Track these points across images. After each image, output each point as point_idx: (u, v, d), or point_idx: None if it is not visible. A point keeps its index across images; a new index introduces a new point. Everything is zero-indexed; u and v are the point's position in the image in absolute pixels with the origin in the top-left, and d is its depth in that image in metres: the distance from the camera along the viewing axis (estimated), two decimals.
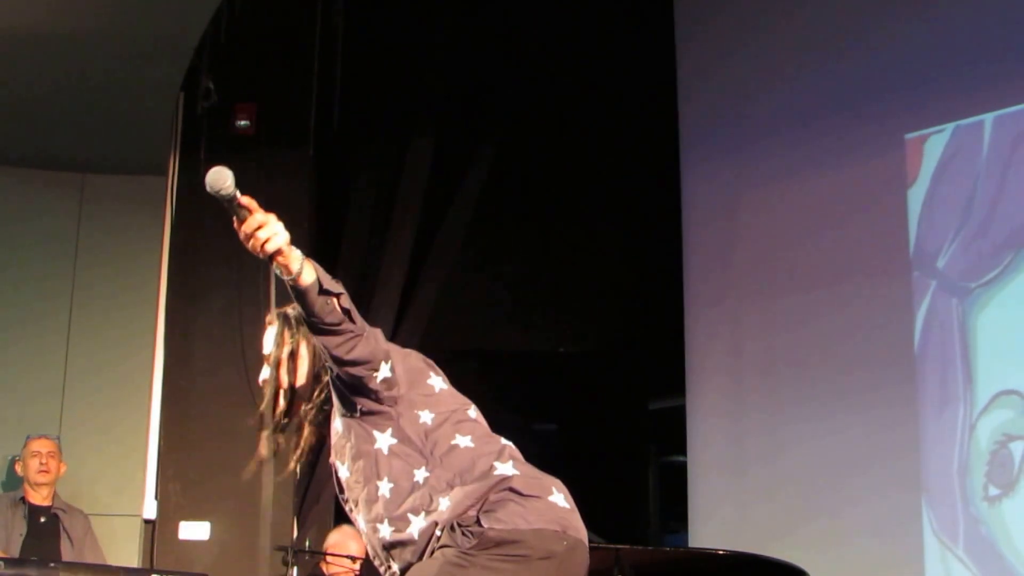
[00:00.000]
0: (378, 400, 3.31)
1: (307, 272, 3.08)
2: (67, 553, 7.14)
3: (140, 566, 7.73)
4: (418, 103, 9.04)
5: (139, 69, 7.10)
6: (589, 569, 5.60)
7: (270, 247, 3.05)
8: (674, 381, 8.67)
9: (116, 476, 7.96)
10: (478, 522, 3.21)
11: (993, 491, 6.66)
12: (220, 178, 2.99)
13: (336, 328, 3.16)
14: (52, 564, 6.24)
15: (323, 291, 3.10)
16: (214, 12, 7.18)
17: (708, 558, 6.04)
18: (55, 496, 7.38)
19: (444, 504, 3.26)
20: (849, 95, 7.69)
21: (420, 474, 3.32)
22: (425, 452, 3.34)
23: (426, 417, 3.36)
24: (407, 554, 3.32)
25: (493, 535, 3.20)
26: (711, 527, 7.98)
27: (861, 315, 7.42)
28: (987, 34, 7.11)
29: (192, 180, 8.19)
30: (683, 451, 8.44)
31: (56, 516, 7.31)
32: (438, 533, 3.23)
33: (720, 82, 8.53)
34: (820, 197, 7.78)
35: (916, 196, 7.23)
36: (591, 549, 5.50)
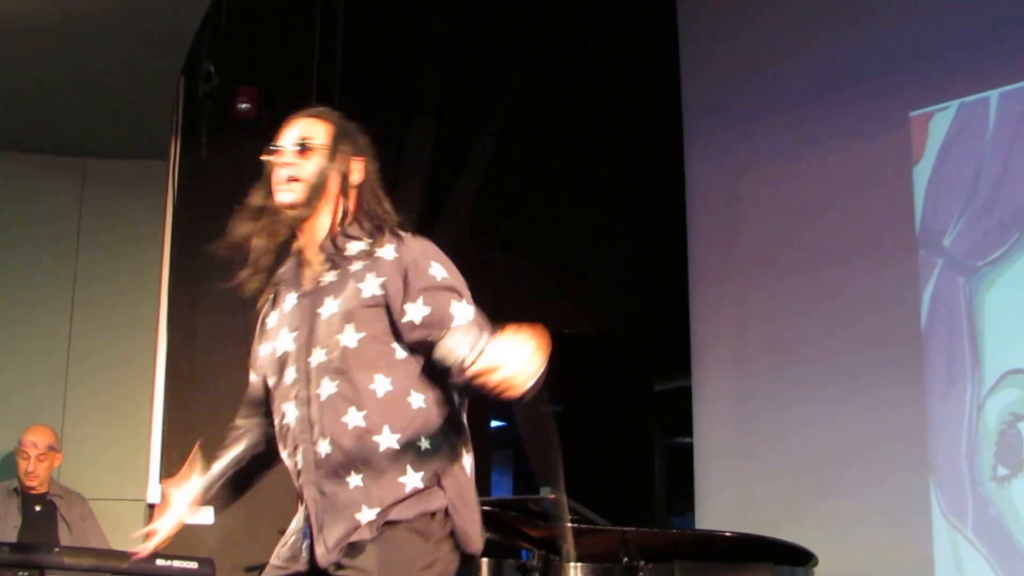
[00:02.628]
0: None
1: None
2: (66, 539, 7.09)
3: None
4: (420, 86, 9.01)
5: (139, 53, 7.07)
6: (597, 551, 5.61)
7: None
8: (679, 362, 8.66)
9: (119, 461, 7.95)
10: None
11: (1002, 471, 6.64)
12: None
13: None
14: (57, 549, 6.23)
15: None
16: None
17: (715, 540, 6.03)
18: (51, 482, 7.35)
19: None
20: (853, 73, 7.65)
21: (418, 399, 3.23)
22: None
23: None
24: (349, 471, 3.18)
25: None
26: (717, 509, 7.98)
27: (867, 294, 7.39)
28: (992, 10, 7.07)
29: (193, 163, 8.18)
30: (689, 433, 8.43)
31: (52, 503, 7.27)
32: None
33: (723, 62, 8.50)
34: (825, 176, 7.75)
35: (921, 174, 7.20)
36: (598, 531, 5.51)
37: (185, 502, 3.60)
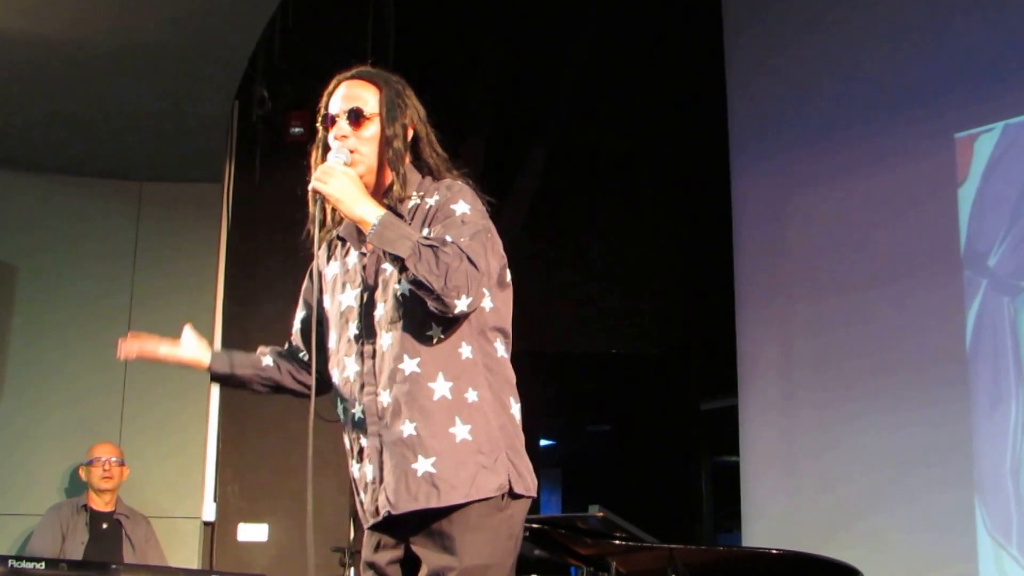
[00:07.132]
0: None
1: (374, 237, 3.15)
2: (129, 558, 7.20)
3: (200, 567, 7.80)
4: (470, 107, 9.10)
5: (194, 79, 7.19)
6: (645, 568, 5.67)
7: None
8: (726, 381, 8.70)
9: (175, 479, 8.02)
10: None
11: None
12: None
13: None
14: (114, 566, 6.32)
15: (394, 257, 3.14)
16: (267, 21, 7.25)
17: (761, 557, 6.06)
18: (118, 501, 7.46)
19: (473, 396, 3.23)
20: (898, 95, 7.69)
21: (467, 350, 3.27)
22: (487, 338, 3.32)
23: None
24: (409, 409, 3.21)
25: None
26: (764, 526, 8.00)
27: (912, 314, 7.42)
28: None
29: (247, 186, 8.30)
30: (736, 451, 8.46)
31: (118, 522, 7.38)
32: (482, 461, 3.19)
33: (769, 83, 8.55)
34: (870, 197, 7.78)
35: (966, 195, 7.23)
36: (645, 548, 5.57)
37: (192, 346, 3.80)
